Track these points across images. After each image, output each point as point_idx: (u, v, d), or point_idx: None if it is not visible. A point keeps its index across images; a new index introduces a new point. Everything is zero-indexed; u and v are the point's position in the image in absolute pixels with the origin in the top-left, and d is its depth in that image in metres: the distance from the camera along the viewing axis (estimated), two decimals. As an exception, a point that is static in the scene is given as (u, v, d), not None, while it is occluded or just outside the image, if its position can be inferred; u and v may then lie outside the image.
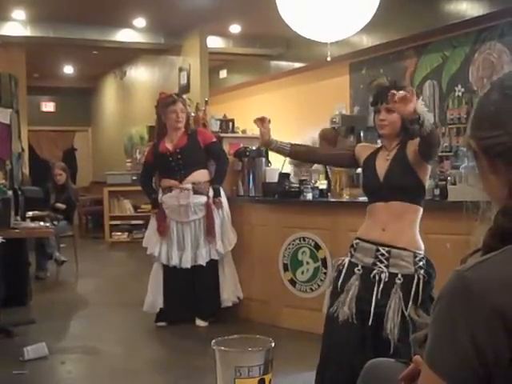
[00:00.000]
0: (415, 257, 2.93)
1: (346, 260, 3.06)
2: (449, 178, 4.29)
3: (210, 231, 5.15)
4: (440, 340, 1.03)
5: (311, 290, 4.97)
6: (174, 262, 5.14)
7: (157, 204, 5.24)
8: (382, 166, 3.04)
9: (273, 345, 1.03)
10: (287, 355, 4.00)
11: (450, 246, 3.78)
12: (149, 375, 4.18)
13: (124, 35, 9.70)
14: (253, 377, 1.00)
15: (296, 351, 4.30)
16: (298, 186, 5.27)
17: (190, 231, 5.17)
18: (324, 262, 4.88)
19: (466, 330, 0.99)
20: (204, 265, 5.15)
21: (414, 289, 2.87)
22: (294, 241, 5.08)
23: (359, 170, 4.68)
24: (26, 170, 9.26)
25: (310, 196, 5.16)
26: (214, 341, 1.04)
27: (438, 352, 1.03)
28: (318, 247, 4.93)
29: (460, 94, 7.58)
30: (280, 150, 3.29)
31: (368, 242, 2.99)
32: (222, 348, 1.02)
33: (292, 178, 5.46)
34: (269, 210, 5.38)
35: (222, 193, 5.27)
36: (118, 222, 11.15)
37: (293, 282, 5.10)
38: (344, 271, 3.03)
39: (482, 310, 0.99)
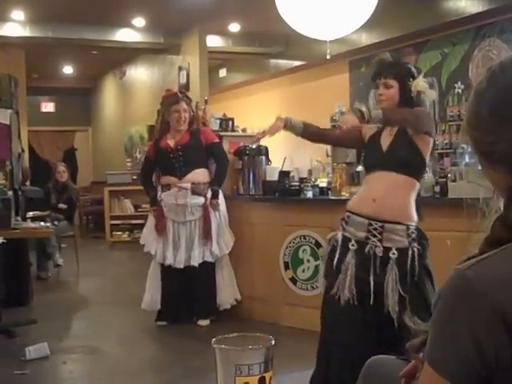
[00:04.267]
0: (408, 229, 2.93)
1: (339, 235, 3.03)
2: (449, 175, 4.29)
3: (206, 233, 5.13)
4: (441, 338, 1.03)
5: (312, 288, 4.97)
6: (169, 261, 5.13)
7: (156, 201, 5.22)
8: (386, 140, 3.07)
9: (273, 343, 1.03)
10: (288, 353, 4.00)
11: (450, 242, 3.77)
12: (150, 374, 4.18)
13: (123, 35, 9.69)
14: (253, 375, 1.00)
15: (297, 349, 4.29)
16: (298, 184, 5.27)
17: (186, 231, 5.16)
18: (325, 260, 4.88)
19: (466, 329, 0.99)
20: (197, 265, 5.12)
21: (409, 262, 2.87)
22: (294, 239, 5.08)
23: (360, 168, 4.68)
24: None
25: (310, 194, 5.16)
26: (214, 339, 1.04)
27: (438, 350, 1.03)
28: (318, 245, 4.93)
29: (460, 90, 7.57)
30: (294, 127, 3.26)
31: (360, 215, 2.97)
32: (223, 346, 1.02)
33: (292, 176, 5.46)
34: (269, 208, 5.38)
35: (221, 195, 5.25)
36: (118, 222, 11.15)
37: (294, 280, 5.10)
38: (339, 248, 3.01)
39: (482, 309, 0.98)
